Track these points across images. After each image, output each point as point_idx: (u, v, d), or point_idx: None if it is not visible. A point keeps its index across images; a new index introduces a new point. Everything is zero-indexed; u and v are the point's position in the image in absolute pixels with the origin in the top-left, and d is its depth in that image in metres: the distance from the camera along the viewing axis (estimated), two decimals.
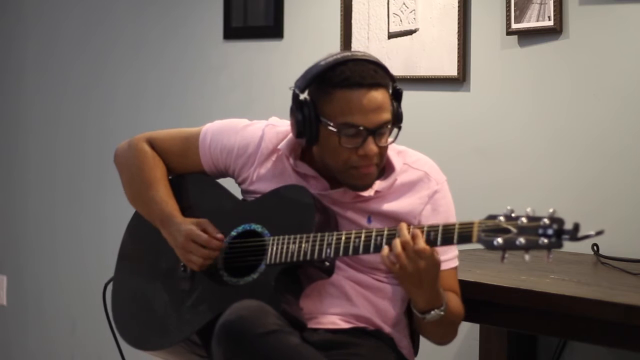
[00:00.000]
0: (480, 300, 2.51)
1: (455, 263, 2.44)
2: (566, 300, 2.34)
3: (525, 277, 2.57)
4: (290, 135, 2.43)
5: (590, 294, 2.35)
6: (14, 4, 4.85)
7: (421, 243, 2.17)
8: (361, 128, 2.28)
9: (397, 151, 2.45)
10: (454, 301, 2.38)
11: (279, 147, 2.44)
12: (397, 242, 2.18)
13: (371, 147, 2.30)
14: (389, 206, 2.39)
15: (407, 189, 2.42)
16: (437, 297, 2.28)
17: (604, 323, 2.30)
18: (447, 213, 2.42)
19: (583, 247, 2.84)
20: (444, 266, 2.37)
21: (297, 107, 2.33)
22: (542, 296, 2.39)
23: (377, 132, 2.30)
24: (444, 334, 2.41)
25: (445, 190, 2.44)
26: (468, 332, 3.27)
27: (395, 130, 2.34)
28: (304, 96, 2.34)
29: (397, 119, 2.35)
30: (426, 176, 2.43)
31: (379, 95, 2.30)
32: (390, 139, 2.34)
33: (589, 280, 2.63)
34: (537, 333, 2.97)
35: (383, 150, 2.34)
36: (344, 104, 2.29)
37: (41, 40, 4.76)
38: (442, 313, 2.28)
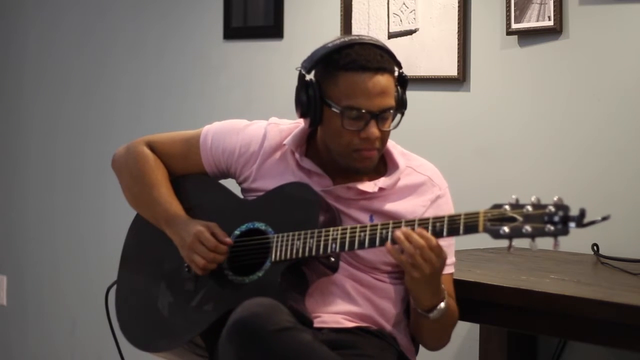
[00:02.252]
0: (480, 300, 2.51)
1: (451, 269, 2.44)
2: (566, 300, 2.34)
3: (525, 277, 2.57)
4: (296, 130, 2.44)
5: (590, 294, 2.35)
6: (14, 4, 4.85)
7: (425, 232, 2.18)
8: (364, 111, 2.30)
9: (401, 152, 2.47)
10: (451, 301, 2.39)
11: (284, 142, 2.44)
12: (399, 231, 2.20)
13: (373, 130, 2.31)
14: (391, 206, 2.40)
15: (411, 191, 2.43)
16: (440, 290, 2.29)
17: (604, 323, 2.30)
18: None
19: (583, 247, 2.85)
20: (444, 270, 2.38)
21: (303, 87, 2.35)
22: (542, 296, 2.38)
23: (379, 116, 2.32)
24: (441, 335, 2.41)
25: (447, 196, 2.45)
26: (468, 332, 3.26)
27: (398, 116, 2.36)
28: (309, 77, 2.35)
29: (400, 105, 2.36)
30: (430, 181, 2.44)
31: (384, 80, 2.31)
32: (391, 126, 2.36)
33: (589, 280, 2.63)
34: (537, 333, 2.97)
35: (385, 134, 2.35)
36: (349, 87, 2.30)
37: (41, 40, 4.76)
38: (444, 307, 2.29)
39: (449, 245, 2.40)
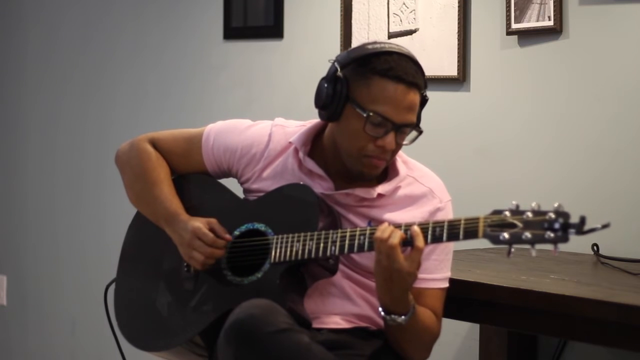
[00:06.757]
0: (480, 300, 2.51)
1: (444, 284, 2.41)
2: (566, 300, 2.34)
3: (525, 277, 2.57)
4: (304, 129, 2.44)
5: (590, 294, 2.35)
6: (14, 4, 4.85)
7: (394, 240, 2.17)
8: (388, 120, 2.29)
9: (404, 160, 2.46)
10: (429, 319, 2.34)
11: (290, 140, 2.44)
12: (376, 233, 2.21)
13: (390, 141, 2.31)
14: (389, 216, 2.39)
15: (411, 202, 2.42)
16: (403, 303, 2.25)
17: (604, 323, 2.30)
18: None
19: (583, 247, 2.85)
20: (431, 284, 2.37)
21: (331, 81, 2.34)
22: (542, 296, 2.38)
23: (400, 129, 2.31)
24: (407, 347, 2.35)
25: (447, 210, 2.43)
26: (468, 332, 3.27)
27: (414, 133, 2.35)
28: (340, 73, 2.34)
29: (418, 124, 2.36)
30: (431, 193, 2.43)
31: (414, 96, 2.32)
32: (406, 141, 2.35)
33: (589, 280, 2.63)
34: (537, 333, 2.97)
35: (398, 148, 2.35)
36: (380, 93, 2.29)
37: (41, 40, 4.76)
38: (401, 322, 2.26)
39: (442, 260, 2.39)
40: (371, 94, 2.30)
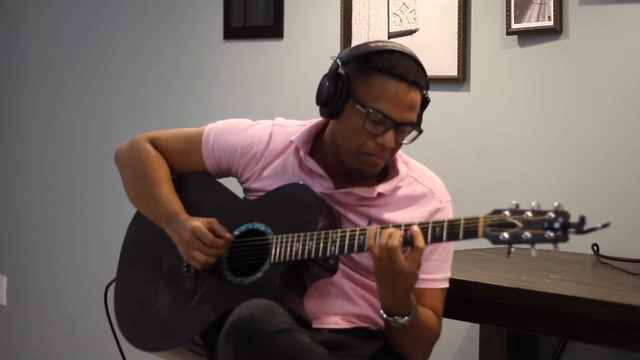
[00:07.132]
0: (480, 300, 2.51)
1: (444, 285, 2.41)
2: (566, 300, 2.34)
3: (525, 277, 2.57)
4: (304, 128, 2.44)
5: (590, 294, 2.35)
6: (14, 4, 4.85)
7: (394, 241, 2.17)
8: (388, 118, 2.29)
9: (404, 159, 2.46)
10: (430, 319, 2.35)
11: (291, 139, 2.43)
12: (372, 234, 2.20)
13: (390, 139, 2.31)
14: (389, 215, 2.39)
15: (411, 202, 2.42)
16: (405, 304, 2.25)
17: (603, 323, 2.30)
18: None
19: (583, 247, 2.85)
20: (432, 285, 2.37)
21: (332, 77, 2.34)
22: (542, 296, 2.38)
23: (400, 127, 2.31)
24: (408, 347, 2.35)
25: (448, 211, 2.43)
26: (468, 332, 3.27)
27: (414, 133, 2.35)
28: (342, 70, 2.34)
29: (418, 123, 2.36)
30: (431, 193, 2.43)
31: (415, 95, 2.32)
32: (406, 140, 2.35)
33: (589, 280, 2.63)
34: (537, 333, 2.97)
35: (397, 147, 2.35)
36: (381, 90, 2.29)
37: (41, 40, 4.76)
38: (404, 322, 2.26)
39: (442, 260, 2.39)
40: (372, 91, 2.30)
